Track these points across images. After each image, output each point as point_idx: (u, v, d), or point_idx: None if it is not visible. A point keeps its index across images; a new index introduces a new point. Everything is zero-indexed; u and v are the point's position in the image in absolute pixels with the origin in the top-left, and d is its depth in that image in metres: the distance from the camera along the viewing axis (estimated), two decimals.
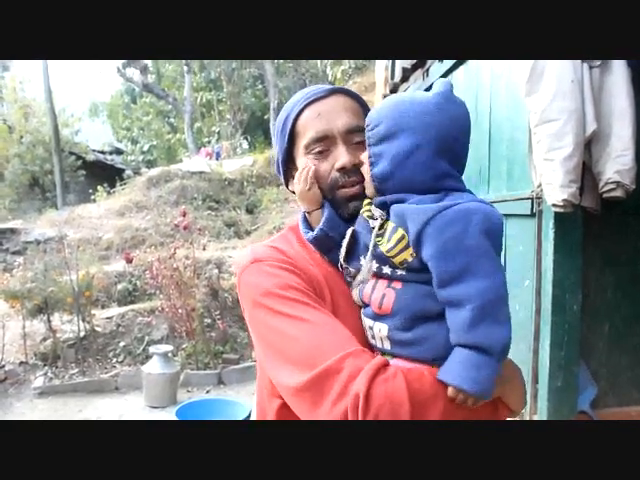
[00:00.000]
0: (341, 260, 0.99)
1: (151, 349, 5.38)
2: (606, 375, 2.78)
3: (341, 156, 1.03)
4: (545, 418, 2.21)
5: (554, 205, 1.99)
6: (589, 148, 2.02)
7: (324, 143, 1.04)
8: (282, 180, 1.19)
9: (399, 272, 0.91)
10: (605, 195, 2.01)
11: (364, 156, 0.97)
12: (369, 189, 0.98)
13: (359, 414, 0.76)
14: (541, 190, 2.09)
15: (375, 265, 0.92)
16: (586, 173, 2.05)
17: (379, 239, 0.91)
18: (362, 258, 0.96)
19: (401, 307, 0.89)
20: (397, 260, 0.89)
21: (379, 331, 0.92)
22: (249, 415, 3.65)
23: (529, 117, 2.05)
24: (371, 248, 0.91)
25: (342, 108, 1.06)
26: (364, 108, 1.11)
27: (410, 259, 0.88)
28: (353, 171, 1.02)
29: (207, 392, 5.46)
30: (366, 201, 1.01)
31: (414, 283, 0.89)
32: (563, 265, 2.25)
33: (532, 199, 2.34)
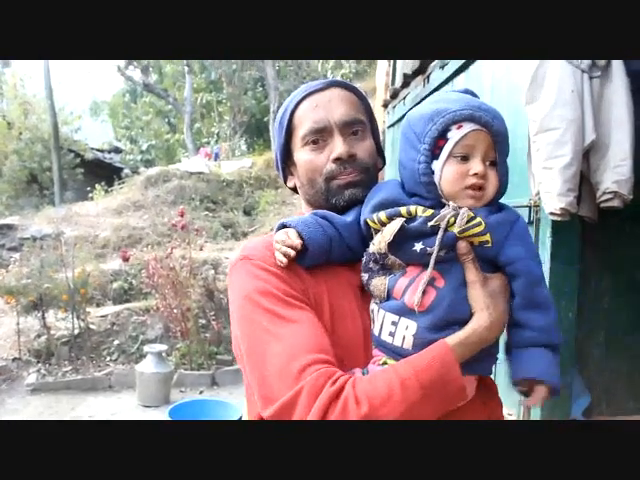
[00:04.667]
0: (384, 248, 0.92)
1: (145, 348, 5.38)
2: (600, 384, 2.79)
3: (337, 147, 1.02)
4: None
5: (551, 213, 1.99)
6: (587, 158, 2.03)
7: (321, 135, 1.04)
8: (280, 177, 1.18)
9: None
10: (602, 205, 2.02)
11: (488, 170, 0.92)
12: (489, 196, 0.93)
13: None
14: (539, 198, 2.09)
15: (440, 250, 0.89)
16: (584, 182, 2.06)
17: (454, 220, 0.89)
18: (415, 244, 0.90)
19: (439, 305, 0.88)
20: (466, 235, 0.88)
21: (405, 328, 0.89)
22: (241, 417, 3.64)
23: (529, 125, 2.06)
24: (441, 233, 0.87)
25: (339, 100, 1.06)
26: (362, 100, 1.11)
27: (476, 244, 0.89)
28: (349, 161, 1.02)
29: (200, 393, 5.45)
30: (420, 208, 0.92)
31: (456, 283, 0.88)
32: (560, 273, 2.25)
33: (530, 207, 2.35)
